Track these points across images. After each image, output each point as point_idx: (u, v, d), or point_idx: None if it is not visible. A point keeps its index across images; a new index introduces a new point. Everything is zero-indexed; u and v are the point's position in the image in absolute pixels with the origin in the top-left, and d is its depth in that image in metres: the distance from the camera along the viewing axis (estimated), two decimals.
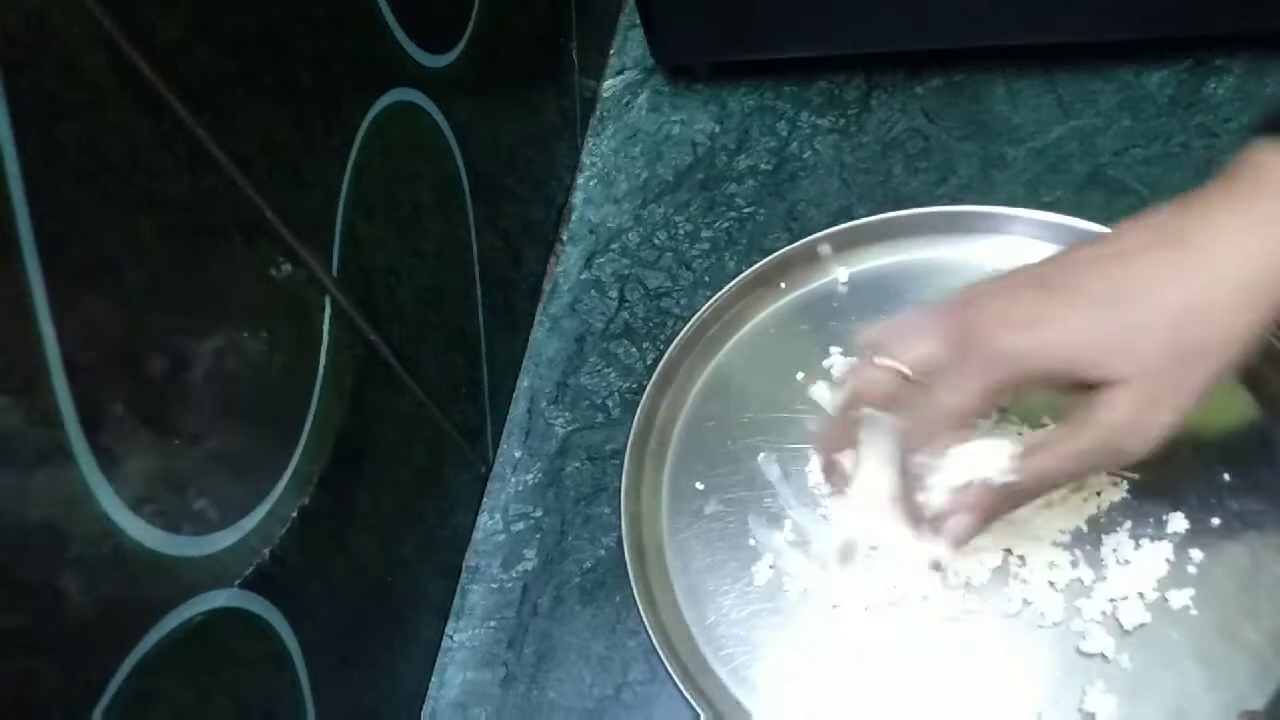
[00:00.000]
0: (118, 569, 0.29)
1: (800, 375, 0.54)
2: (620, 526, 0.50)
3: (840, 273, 0.57)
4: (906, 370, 0.41)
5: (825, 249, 0.56)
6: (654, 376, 0.54)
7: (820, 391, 0.53)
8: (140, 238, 0.30)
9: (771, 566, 0.49)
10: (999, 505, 0.41)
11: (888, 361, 0.42)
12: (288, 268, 0.37)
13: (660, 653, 0.46)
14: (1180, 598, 0.44)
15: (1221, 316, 0.36)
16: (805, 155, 0.63)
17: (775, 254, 0.56)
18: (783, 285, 0.57)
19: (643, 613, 0.47)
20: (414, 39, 0.45)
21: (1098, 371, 0.37)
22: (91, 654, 0.29)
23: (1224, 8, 0.57)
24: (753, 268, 0.56)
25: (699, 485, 0.52)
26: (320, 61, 0.38)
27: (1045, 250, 0.53)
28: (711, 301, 0.55)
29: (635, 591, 0.48)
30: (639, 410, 0.53)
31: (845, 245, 0.56)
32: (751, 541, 0.50)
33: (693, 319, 0.55)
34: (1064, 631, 0.45)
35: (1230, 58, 0.60)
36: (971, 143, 0.61)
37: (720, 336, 0.56)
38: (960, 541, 0.42)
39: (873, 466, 0.47)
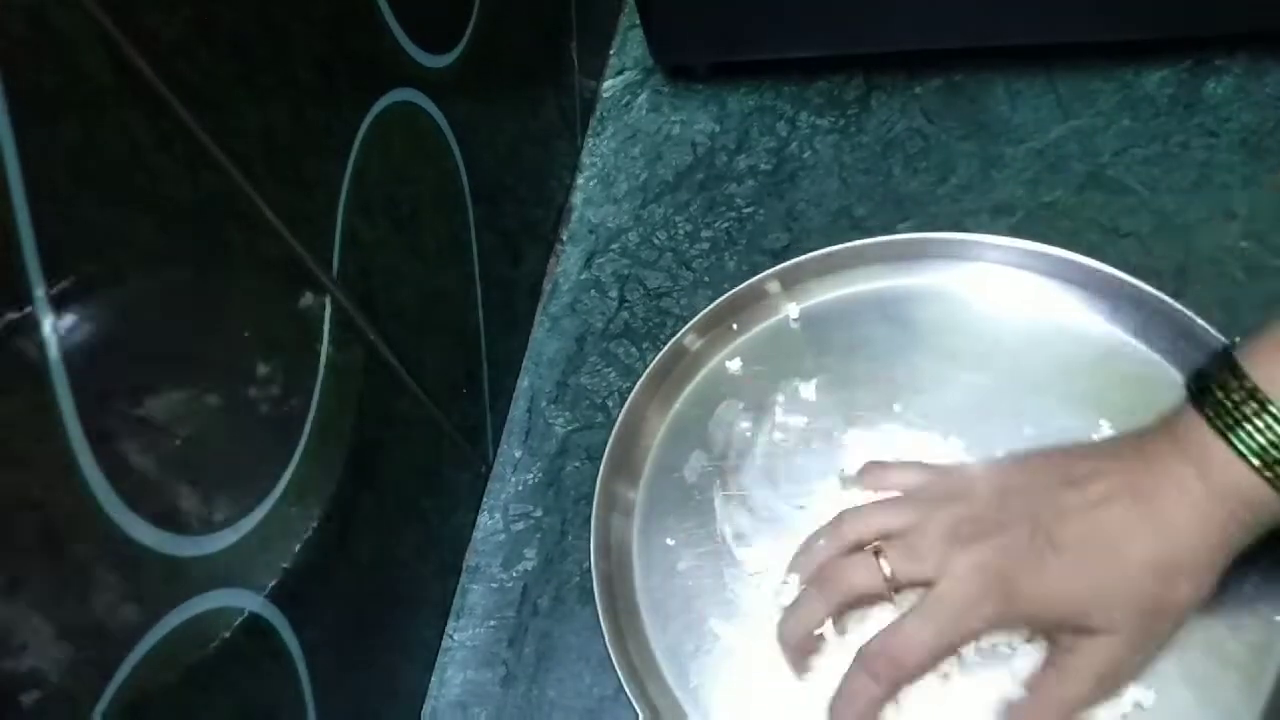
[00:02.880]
0: (117, 569, 0.29)
1: (746, 423, 0.53)
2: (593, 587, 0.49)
3: (791, 309, 0.56)
4: (889, 580, 0.43)
5: (774, 286, 0.56)
6: (613, 432, 0.52)
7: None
8: (140, 238, 0.30)
9: (749, 618, 0.48)
10: None
11: (886, 572, 0.43)
12: (288, 279, 0.37)
13: (635, 705, 0.45)
14: None
15: (1184, 577, 0.40)
16: (805, 155, 0.63)
17: (723, 296, 0.55)
18: (735, 327, 0.56)
19: (624, 682, 0.46)
20: (414, 39, 0.45)
21: (1088, 621, 0.41)
22: (91, 654, 0.29)
23: (1224, 8, 0.57)
24: (701, 312, 0.55)
25: (669, 541, 0.51)
26: (320, 61, 0.38)
27: (996, 275, 0.54)
28: (663, 350, 0.54)
29: (615, 662, 0.47)
30: (600, 470, 0.51)
31: (794, 281, 0.56)
32: (730, 595, 0.49)
33: (645, 370, 0.54)
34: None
35: (1230, 58, 0.60)
36: (971, 143, 0.61)
37: (677, 385, 0.55)
38: None
39: None
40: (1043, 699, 0.42)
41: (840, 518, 0.46)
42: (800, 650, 0.45)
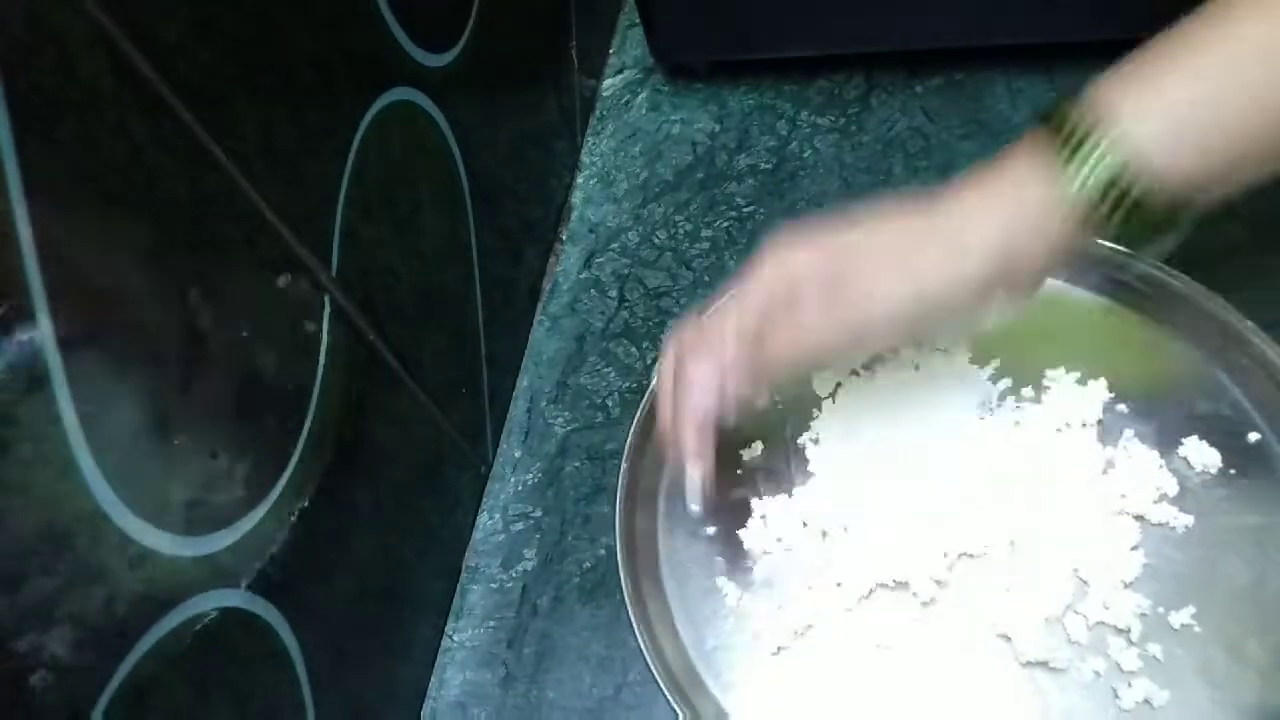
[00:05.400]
0: (117, 568, 0.29)
1: (778, 398, 0.53)
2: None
3: None
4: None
5: None
6: (644, 398, 0.52)
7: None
8: (139, 237, 0.30)
9: (769, 587, 0.48)
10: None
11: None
12: (287, 278, 0.37)
13: (660, 684, 0.46)
14: (1181, 616, 0.44)
15: (950, 275, 0.40)
16: (805, 154, 0.63)
17: None
18: None
19: (640, 639, 0.47)
20: (414, 38, 0.45)
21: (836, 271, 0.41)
22: (91, 654, 0.29)
23: None
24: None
25: (695, 507, 0.51)
26: (320, 61, 0.38)
27: None
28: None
29: (631, 615, 0.47)
30: (631, 430, 0.52)
31: None
32: (750, 562, 0.49)
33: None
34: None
35: None
36: (971, 142, 0.61)
37: None
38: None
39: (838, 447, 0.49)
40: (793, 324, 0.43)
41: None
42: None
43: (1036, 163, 0.39)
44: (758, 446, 0.52)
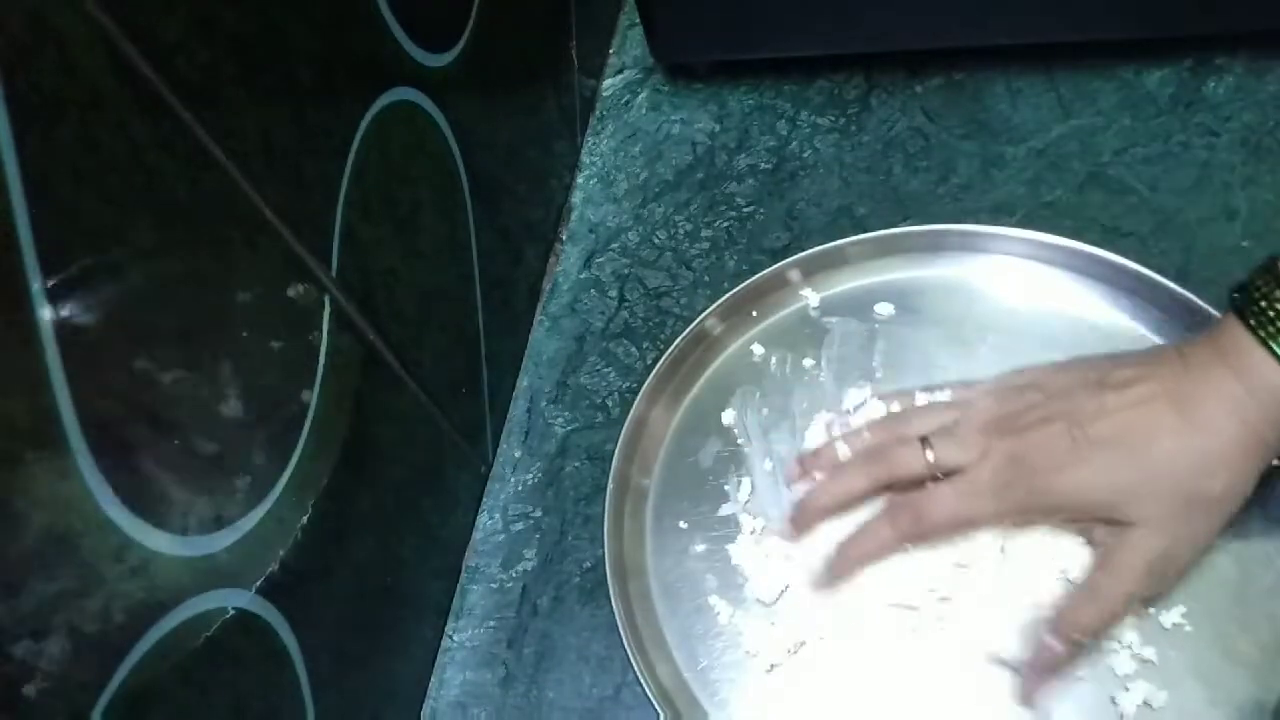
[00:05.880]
0: (116, 569, 0.29)
1: (765, 409, 0.53)
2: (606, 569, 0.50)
3: (811, 298, 0.56)
4: (932, 465, 0.45)
5: (795, 275, 0.56)
6: (630, 415, 0.53)
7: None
8: (139, 238, 0.30)
9: (761, 604, 0.48)
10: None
11: (929, 458, 0.45)
12: (287, 279, 0.37)
13: (655, 704, 0.46)
14: (1171, 615, 0.44)
15: (1219, 468, 0.41)
16: (805, 154, 0.63)
17: (744, 283, 0.55)
18: (754, 314, 0.56)
19: (633, 659, 0.47)
20: (414, 38, 0.45)
21: (1118, 513, 0.42)
22: (91, 654, 0.28)
23: (1224, 7, 0.57)
24: (722, 299, 0.55)
25: (682, 524, 0.51)
26: (320, 61, 0.38)
27: (1016, 268, 0.54)
28: (684, 334, 0.55)
29: (625, 641, 0.47)
30: (615, 453, 0.52)
31: (814, 270, 0.56)
32: (740, 580, 0.49)
33: (664, 354, 0.54)
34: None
35: (1230, 57, 0.60)
36: (972, 142, 0.61)
37: (695, 370, 0.55)
38: None
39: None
40: (1094, 592, 0.43)
41: (890, 416, 0.49)
42: (817, 515, 0.48)
43: (1241, 346, 0.40)
44: (751, 463, 0.52)
